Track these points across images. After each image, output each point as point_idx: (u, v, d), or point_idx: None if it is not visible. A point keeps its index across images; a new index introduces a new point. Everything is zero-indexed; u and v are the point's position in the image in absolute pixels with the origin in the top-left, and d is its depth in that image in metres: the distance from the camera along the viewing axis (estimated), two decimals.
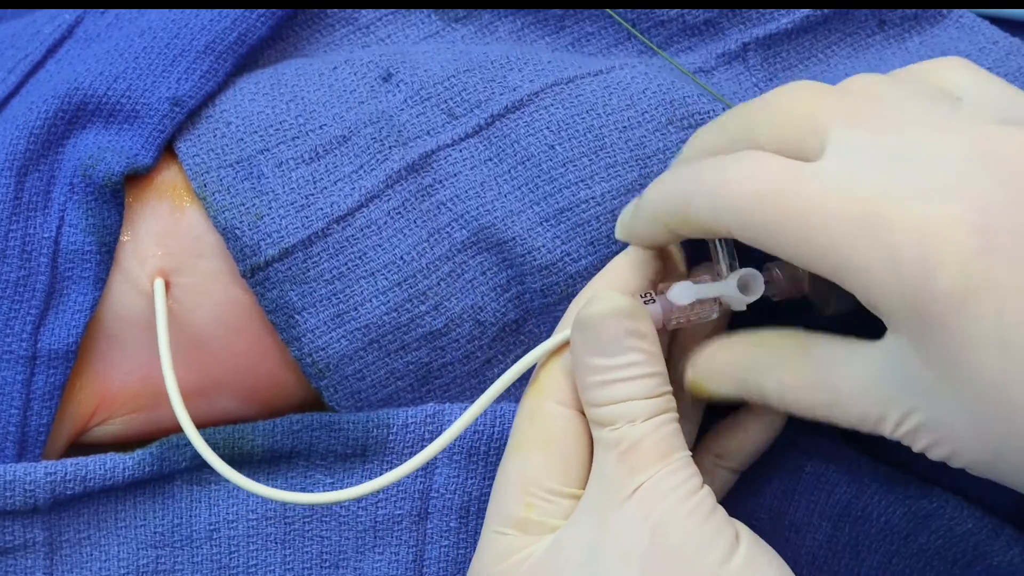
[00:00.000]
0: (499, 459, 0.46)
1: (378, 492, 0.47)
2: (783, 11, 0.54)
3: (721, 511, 0.42)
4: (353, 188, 0.50)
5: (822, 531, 0.50)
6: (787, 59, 0.55)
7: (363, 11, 0.56)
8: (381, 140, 0.50)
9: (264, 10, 0.53)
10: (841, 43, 0.55)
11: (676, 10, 0.54)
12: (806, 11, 0.54)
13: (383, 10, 0.56)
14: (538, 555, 0.43)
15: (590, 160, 0.50)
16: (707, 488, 0.42)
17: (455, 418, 0.49)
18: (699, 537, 0.41)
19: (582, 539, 0.42)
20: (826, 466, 0.50)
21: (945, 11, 0.55)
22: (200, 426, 0.51)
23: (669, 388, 0.44)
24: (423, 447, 0.49)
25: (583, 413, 0.45)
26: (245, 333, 0.50)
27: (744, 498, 0.51)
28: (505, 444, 0.46)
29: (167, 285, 0.50)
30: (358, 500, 0.50)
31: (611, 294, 0.43)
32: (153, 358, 0.51)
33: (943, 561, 0.50)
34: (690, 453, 0.43)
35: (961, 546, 0.49)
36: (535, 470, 0.44)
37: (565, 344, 0.45)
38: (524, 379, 0.47)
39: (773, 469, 0.51)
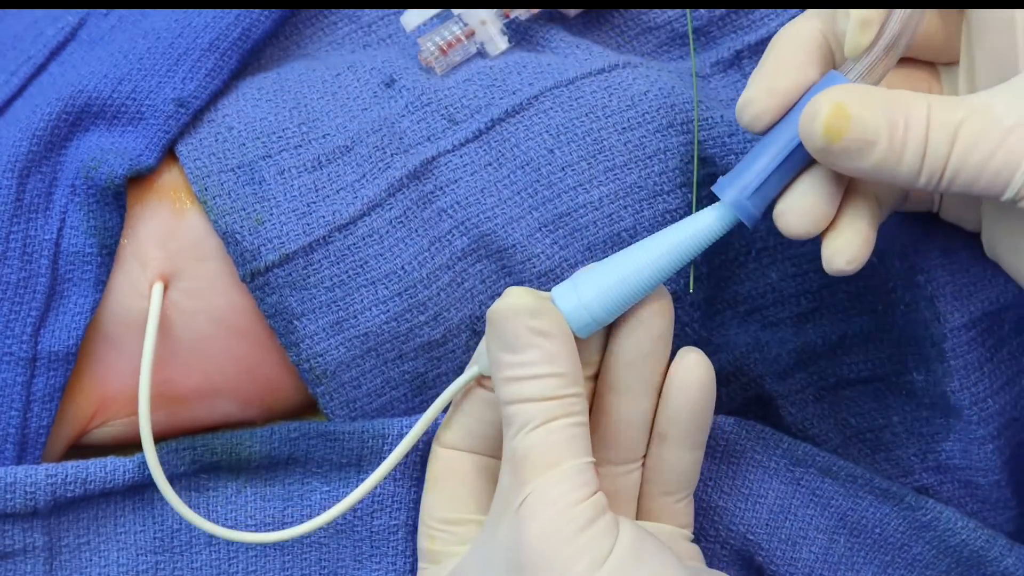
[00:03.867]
0: None
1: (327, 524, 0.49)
2: (772, 15, 0.54)
3: (605, 520, 0.41)
4: (355, 197, 0.50)
5: (818, 543, 0.50)
6: None
7: (366, 10, 0.56)
8: (383, 148, 0.50)
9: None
10: None
11: (664, 17, 0.54)
12: (797, 12, 0.54)
13: (385, 10, 0.56)
14: None
15: (589, 164, 0.50)
16: (595, 498, 0.42)
17: None
18: (568, 549, 0.40)
19: (480, 554, 0.44)
20: (821, 479, 0.50)
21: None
22: (199, 429, 0.51)
23: (574, 390, 0.43)
24: (418, 457, 0.50)
25: (470, 451, 0.47)
26: (245, 337, 0.51)
27: (740, 512, 0.51)
28: None
29: (166, 288, 0.50)
30: (353, 510, 0.50)
31: (518, 291, 0.44)
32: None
33: (938, 572, 0.50)
34: (588, 459, 0.42)
35: (956, 556, 0.49)
36: (430, 506, 0.47)
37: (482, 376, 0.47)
38: None
39: (769, 482, 0.51)
